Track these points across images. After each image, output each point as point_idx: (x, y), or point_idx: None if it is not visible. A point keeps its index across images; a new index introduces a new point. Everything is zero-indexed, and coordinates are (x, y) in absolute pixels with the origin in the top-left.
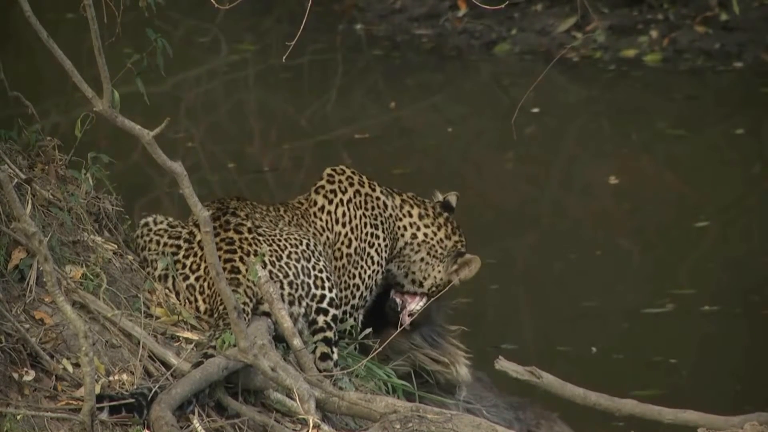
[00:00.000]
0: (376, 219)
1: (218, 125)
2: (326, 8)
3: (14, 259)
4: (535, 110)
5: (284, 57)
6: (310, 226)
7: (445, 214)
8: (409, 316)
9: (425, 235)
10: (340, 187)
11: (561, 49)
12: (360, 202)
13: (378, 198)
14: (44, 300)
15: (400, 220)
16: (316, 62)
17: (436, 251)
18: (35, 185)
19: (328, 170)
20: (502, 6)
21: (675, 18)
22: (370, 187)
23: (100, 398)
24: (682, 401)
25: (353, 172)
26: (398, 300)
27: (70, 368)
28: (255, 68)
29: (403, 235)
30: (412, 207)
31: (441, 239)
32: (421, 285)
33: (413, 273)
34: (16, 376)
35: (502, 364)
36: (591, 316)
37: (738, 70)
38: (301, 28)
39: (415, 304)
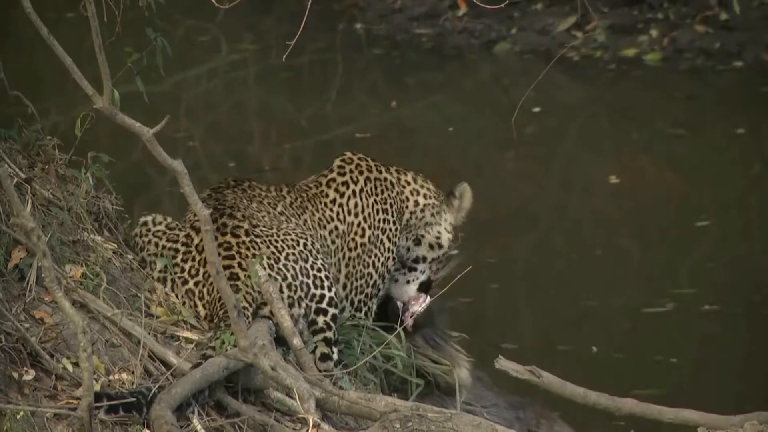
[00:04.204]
0: (385, 202)
1: (218, 125)
2: (326, 8)
3: (14, 258)
4: (536, 110)
5: (284, 56)
6: (317, 211)
7: None
8: (411, 317)
9: (425, 196)
10: (351, 178)
11: (561, 48)
12: (371, 188)
13: (386, 179)
14: (44, 299)
15: (402, 192)
16: (316, 62)
17: (435, 205)
18: (35, 184)
19: (338, 161)
20: (502, 5)
21: (675, 17)
22: (377, 170)
23: (99, 397)
24: (683, 400)
25: (360, 159)
26: (401, 303)
27: (70, 367)
28: (255, 68)
29: (407, 207)
30: (405, 174)
31: (435, 189)
32: (440, 246)
33: (423, 237)
34: (16, 375)
35: (503, 363)
36: (591, 315)
37: (738, 70)
38: (301, 27)
39: (418, 306)
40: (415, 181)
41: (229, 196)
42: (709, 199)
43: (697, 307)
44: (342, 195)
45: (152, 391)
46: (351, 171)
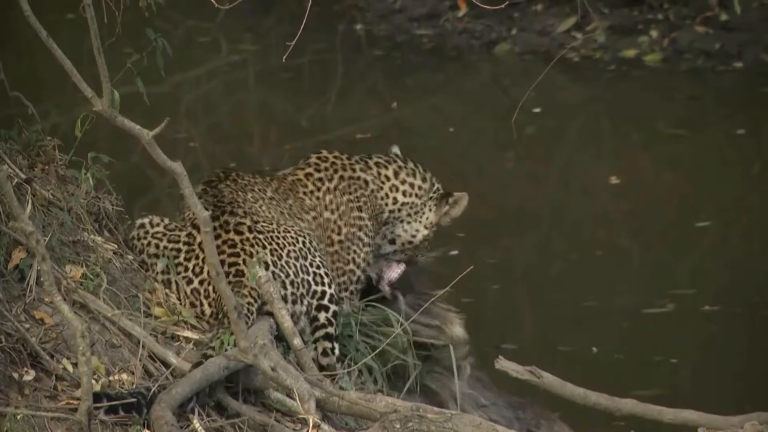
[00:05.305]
0: (359, 200)
1: (218, 125)
2: (326, 8)
3: (14, 258)
4: (536, 110)
5: (284, 57)
6: (296, 200)
7: (412, 161)
8: (388, 285)
9: (404, 193)
10: (326, 176)
11: (561, 49)
12: (345, 187)
13: (359, 178)
14: (44, 300)
15: (381, 189)
16: (316, 62)
17: (415, 204)
18: (35, 185)
19: (314, 158)
20: (503, 6)
21: (675, 18)
22: (351, 168)
23: (99, 397)
24: (683, 401)
25: (336, 157)
26: (374, 274)
27: (70, 368)
28: (255, 68)
29: (386, 205)
30: (386, 168)
31: (419, 186)
32: (411, 243)
33: (398, 236)
34: (16, 375)
35: (503, 363)
36: (591, 316)
37: (738, 70)
38: (301, 28)
39: (393, 273)
40: (396, 176)
41: (225, 191)
42: (709, 199)
43: (697, 308)
44: (318, 189)
45: (152, 392)
46: (326, 168)
